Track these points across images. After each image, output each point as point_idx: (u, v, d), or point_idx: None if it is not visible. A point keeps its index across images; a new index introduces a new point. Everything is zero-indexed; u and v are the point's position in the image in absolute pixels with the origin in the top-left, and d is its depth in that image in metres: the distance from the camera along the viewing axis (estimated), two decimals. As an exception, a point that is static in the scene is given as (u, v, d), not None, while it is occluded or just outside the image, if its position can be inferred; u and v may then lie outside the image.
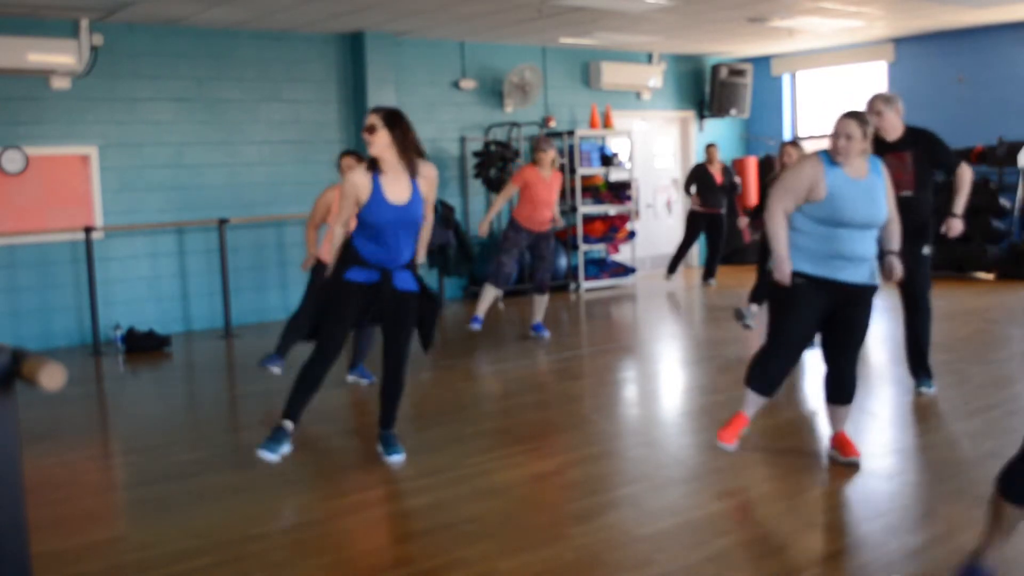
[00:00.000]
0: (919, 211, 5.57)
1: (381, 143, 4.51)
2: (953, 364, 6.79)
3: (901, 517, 3.97)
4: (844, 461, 4.54)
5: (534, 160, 8.24)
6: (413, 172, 4.60)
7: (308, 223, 6.77)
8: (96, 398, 7.16)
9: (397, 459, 4.82)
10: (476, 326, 8.39)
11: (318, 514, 4.25)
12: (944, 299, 9.85)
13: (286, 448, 4.72)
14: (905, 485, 4.36)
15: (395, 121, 4.53)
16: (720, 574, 3.40)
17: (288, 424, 4.75)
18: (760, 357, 4.70)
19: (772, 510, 4.12)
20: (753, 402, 4.76)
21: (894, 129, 5.61)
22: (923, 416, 5.52)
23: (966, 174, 5.69)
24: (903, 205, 4.90)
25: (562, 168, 11.50)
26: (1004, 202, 11.22)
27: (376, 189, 4.52)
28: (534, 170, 8.18)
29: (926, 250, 5.69)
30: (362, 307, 4.69)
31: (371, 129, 4.50)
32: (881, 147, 5.20)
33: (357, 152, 6.71)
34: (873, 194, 4.35)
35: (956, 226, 5.66)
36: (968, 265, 11.32)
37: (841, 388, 4.55)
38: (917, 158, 5.59)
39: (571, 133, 11.53)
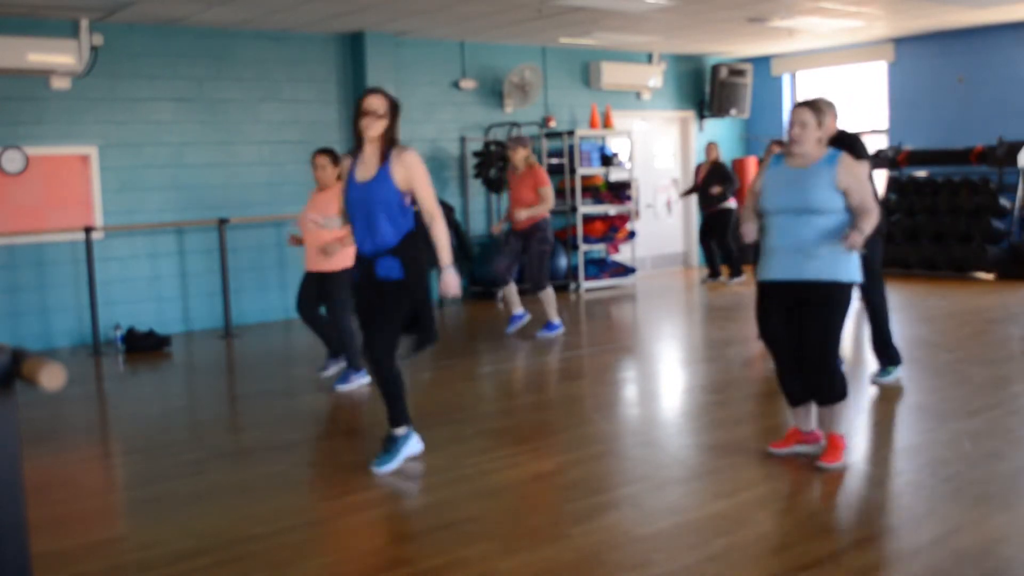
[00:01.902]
0: None
1: (380, 128, 4.58)
2: (953, 364, 6.80)
3: (901, 517, 3.97)
4: (818, 465, 4.50)
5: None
6: (385, 155, 4.59)
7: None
8: (96, 398, 7.16)
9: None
10: (509, 330, 8.63)
11: (318, 514, 4.25)
12: (944, 299, 9.85)
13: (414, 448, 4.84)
14: (905, 485, 4.36)
15: (395, 111, 4.63)
16: (720, 574, 3.40)
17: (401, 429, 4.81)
18: None
19: (772, 510, 4.12)
20: (790, 413, 4.78)
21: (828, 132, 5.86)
22: (923, 416, 5.52)
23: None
24: None
25: (560, 167, 11.53)
26: (1004, 202, 11.23)
27: (352, 168, 4.67)
28: (511, 170, 8.54)
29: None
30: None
31: (377, 114, 4.55)
32: None
33: (328, 150, 6.74)
34: (804, 181, 4.40)
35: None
36: (968, 265, 11.32)
37: (811, 389, 4.55)
38: None
39: (571, 133, 11.53)
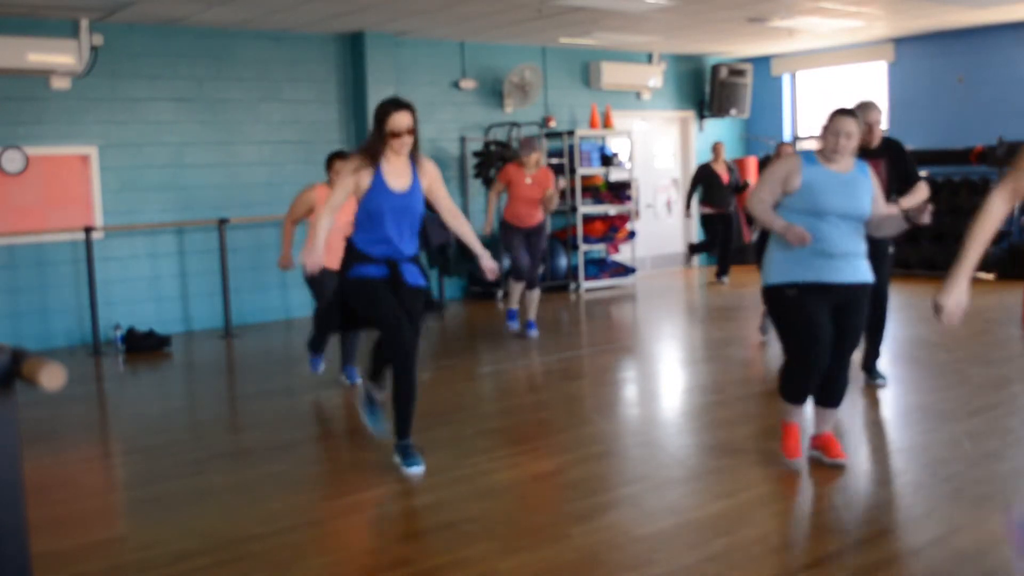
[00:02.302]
0: None
1: (411, 143, 4.61)
2: (953, 364, 6.80)
3: (901, 517, 3.97)
4: (830, 463, 4.51)
5: (519, 161, 8.42)
6: (415, 163, 4.66)
7: (286, 218, 6.86)
8: (96, 398, 7.16)
9: (416, 471, 4.62)
10: (514, 324, 8.67)
11: (318, 514, 4.25)
12: (944, 299, 9.83)
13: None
14: (905, 485, 4.36)
15: (417, 119, 4.64)
16: (720, 574, 3.40)
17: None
18: (786, 372, 4.57)
19: (772, 510, 4.12)
20: (792, 411, 4.60)
21: (877, 138, 5.88)
22: (923, 416, 5.52)
23: (924, 190, 5.83)
24: None
25: (560, 167, 11.53)
26: (1004, 202, 11.21)
27: (378, 175, 4.55)
28: (518, 169, 8.40)
29: (891, 249, 5.97)
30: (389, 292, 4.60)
31: (410, 132, 4.56)
32: (861, 153, 5.28)
33: (347, 154, 6.72)
34: (854, 188, 4.35)
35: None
36: (968, 265, 11.31)
37: (831, 392, 4.51)
38: (888, 166, 5.82)
39: (571, 133, 11.53)
